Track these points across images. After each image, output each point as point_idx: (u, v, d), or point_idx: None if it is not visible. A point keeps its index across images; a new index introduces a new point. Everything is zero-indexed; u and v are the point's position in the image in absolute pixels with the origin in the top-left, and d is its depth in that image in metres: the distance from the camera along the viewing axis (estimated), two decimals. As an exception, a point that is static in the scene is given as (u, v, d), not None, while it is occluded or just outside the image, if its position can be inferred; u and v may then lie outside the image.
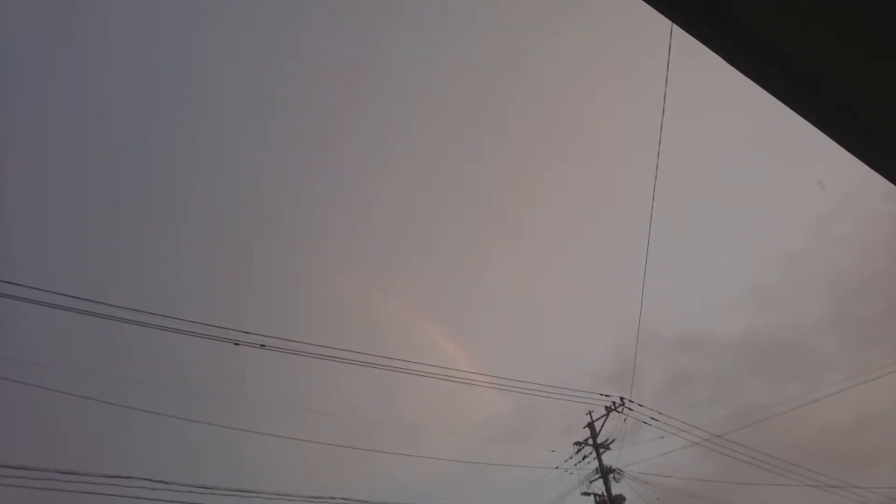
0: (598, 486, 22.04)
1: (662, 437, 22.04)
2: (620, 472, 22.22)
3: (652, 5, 1.46)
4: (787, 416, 24.77)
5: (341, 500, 16.69)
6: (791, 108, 1.84)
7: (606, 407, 22.28)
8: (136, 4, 34.12)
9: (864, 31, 1.55)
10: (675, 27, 1.76)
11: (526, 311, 46.71)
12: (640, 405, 21.78)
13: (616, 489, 21.92)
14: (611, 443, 22.36)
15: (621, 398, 21.92)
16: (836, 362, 36.26)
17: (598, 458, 22.34)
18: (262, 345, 14.48)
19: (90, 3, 33.64)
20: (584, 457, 22.74)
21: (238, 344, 14.27)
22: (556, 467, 23.20)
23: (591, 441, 22.62)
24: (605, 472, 22.06)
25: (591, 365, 45.65)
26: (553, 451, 23.30)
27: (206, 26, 37.58)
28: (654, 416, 21.78)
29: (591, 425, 22.70)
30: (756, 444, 22.35)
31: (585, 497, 22.06)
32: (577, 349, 45.12)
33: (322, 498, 16.37)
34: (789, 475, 22.56)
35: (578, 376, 42.00)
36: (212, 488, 15.04)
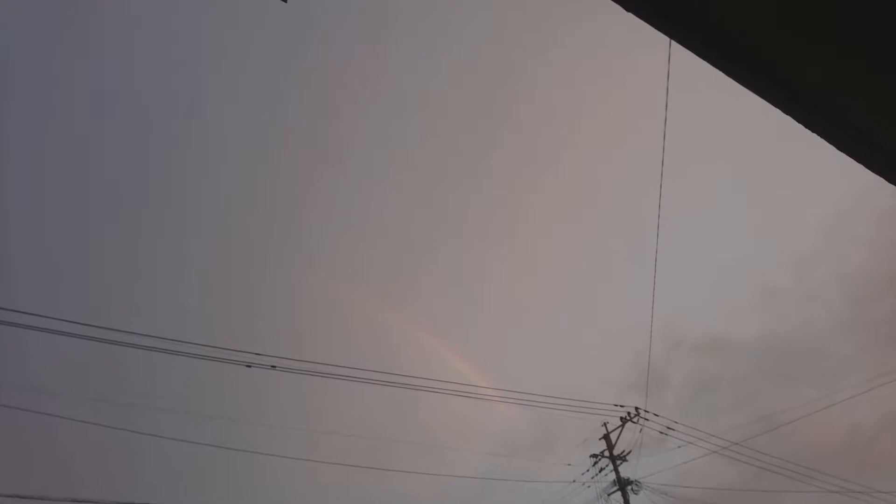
0: (617, 499, 21.70)
1: (680, 447, 21.72)
2: (639, 483, 21.87)
3: (649, 23, 1.49)
4: (806, 421, 24.33)
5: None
6: (793, 118, 1.86)
7: (622, 418, 22.01)
8: (133, 9, 34.38)
9: (863, 45, 1.57)
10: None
11: (540, 323, 46.46)
12: (657, 415, 21.51)
13: (635, 501, 21.57)
14: (627, 454, 22.06)
15: (636, 408, 21.66)
16: (853, 364, 35.66)
17: (615, 469, 22.02)
18: (273, 366, 14.48)
19: (88, 4, 33.86)
20: (601, 469, 22.43)
21: (250, 366, 14.28)
22: (573, 480, 22.89)
23: (607, 453, 22.32)
24: (622, 484, 21.72)
25: (612, 373, 45.13)
26: (569, 464, 23.01)
27: (202, 31, 38.03)
28: (670, 426, 21.48)
29: (606, 437, 22.41)
30: (776, 450, 21.97)
31: (604, 510, 21.72)
32: (597, 359, 44.77)
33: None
34: (811, 481, 22.11)
35: (601, 385, 41.53)
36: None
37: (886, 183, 2.11)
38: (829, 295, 41.08)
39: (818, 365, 38.17)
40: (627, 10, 1.41)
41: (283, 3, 2.57)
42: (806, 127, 1.90)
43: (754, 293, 44.56)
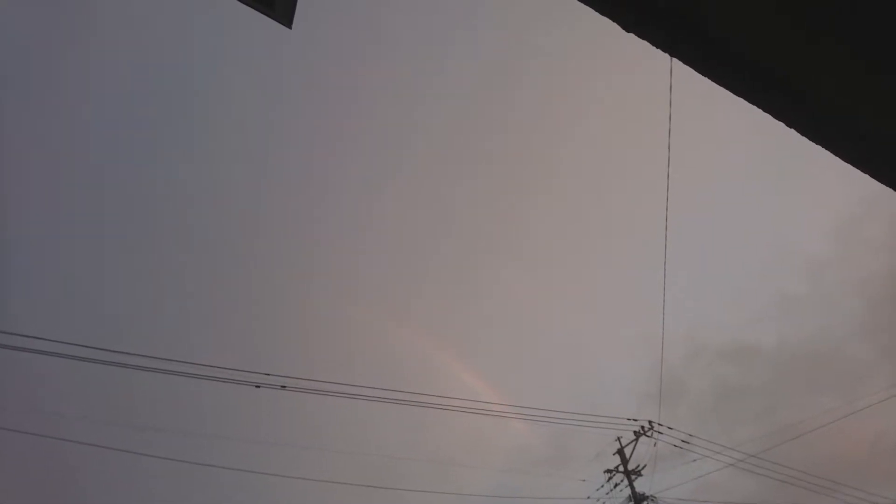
0: (633, 515, 21.29)
1: (695, 461, 21.35)
2: (654, 498, 21.48)
3: (650, 42, 1.50)
4: (827, 430, 23.73)
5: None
6: (794, 130, 1.86)
7: (635, 432, 21.69)
8: (135, 13, 34.23)
9: (863, 48, 1.58)
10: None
11: (553, 334, 46.03)
12: (671, 428, 21.17)
13: (651, 517, 21.14)
14: (642, 469, 21.69)
15: (650, 422, 21.35)
16: (875, 370, 34.85)
17: (630, 485, 21.65)
18: (283, 386, 14.46)
19: (88, 6, 33.73)
20: (616, 485, 22.07)
21: (259, 386, 14.27)
22: (588, 497, 22.51)
23: (621, 468, 21.96)
24: (637, 500, 21.33)
25: (631, 384, 44.42)
26: (583, 480, 22.66)
27: (200, 37, 38.19)
28: (685, 439, 21.14)
29: (620, 451, 22.07)
30: (797, 461, 21.50)
31: (620, 527, 21.32)
32: (614, 369, 44.23)
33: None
34: (833, 494, 21.61)
35: (620, 396, 40.86)
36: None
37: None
38: (846, 300, 40.52)
39: (838, 372, 37.46)
40: (628, 31, 1.43)
41: (289, 28, 2.61)
42: (809, 139, 1.91)
43: (770, 300, 43.97)
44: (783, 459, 21.26)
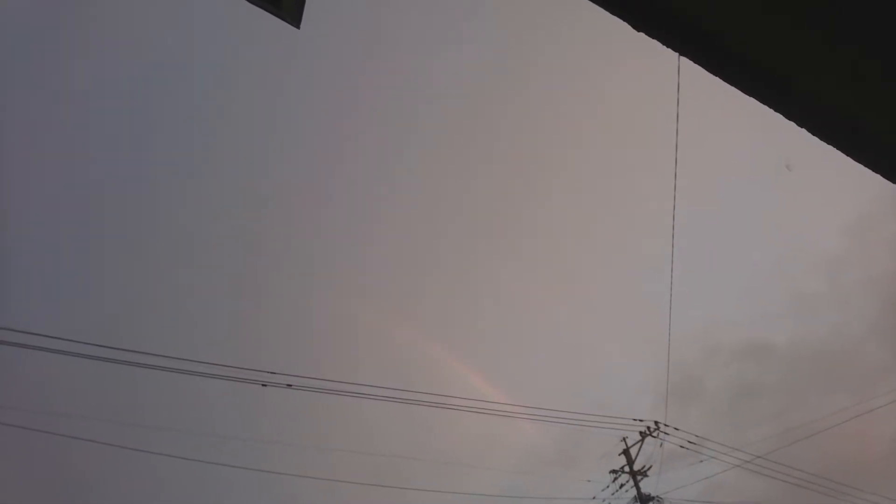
0: (639, 516, 21.23)
1: (702, 461, 21.26)
2: (660, 499, 21.42)
3: (662, 42, 1.50)
4: (841, 431, 23.43)
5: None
6: (805, 129, 1.86)
7: (641, 432, 21.63)
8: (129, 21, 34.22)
9: (864, 46, 1.58)
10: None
11: (563, 334, 45.85)
12: (677, 429, 21.09)
13: (657, 518, 21.08)
14: (648, 469, 21.63)
15: (656, 422, 21.28)
16: (890, 370, 34.34)
17: (636, 485, 21.59)
18: (288, 385, 14.50)
19: (88, 6, 33.76)
20: (622, 485, 22.01)
21: (265, 385, 14.33)
22: (594, 497, 22.47)
23: (627, 468, 21.91)
24: (643, 501, 21.27)
25: (646, 383, 43.99)
26: (589, 480, 22.61)
27: (200, 37, 38.21)
28: (691, 440, 21.06)
29: (626, 452, 22.02)
30: (808, 462, 21.32)
31: (626, 528, 21.27)
32: (628, 368, 43.99)
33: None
34: (843, 496, 21.45)
35: (634, 396, 40.54)
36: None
37: None
38: (861, 299, 40.12)
39: (852, 371, 37.02)
40: (637, 30, 1.43)
41: (297, 28, 2.61)
42: (819, 138, 1.90)
43: (783, 298, 43.59)
44: (795, 460, 21.11)
